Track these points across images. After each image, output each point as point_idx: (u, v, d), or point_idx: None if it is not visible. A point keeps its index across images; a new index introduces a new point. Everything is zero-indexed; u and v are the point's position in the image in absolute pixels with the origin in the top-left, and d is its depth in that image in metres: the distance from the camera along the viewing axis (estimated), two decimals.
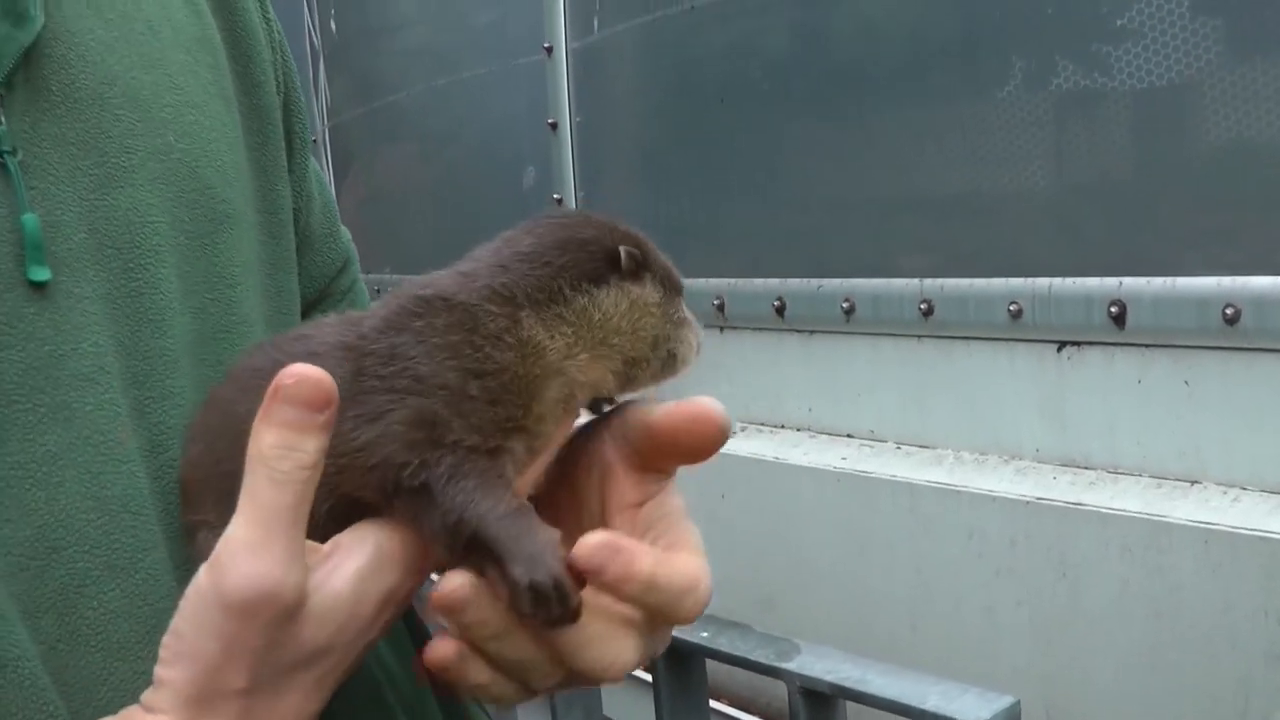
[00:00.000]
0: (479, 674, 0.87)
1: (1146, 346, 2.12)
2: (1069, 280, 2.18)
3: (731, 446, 2.78)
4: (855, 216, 2.63)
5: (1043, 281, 2.21)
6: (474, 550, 0.87)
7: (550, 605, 0.82)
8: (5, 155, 0.91)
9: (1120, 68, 2.11)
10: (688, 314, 1.02)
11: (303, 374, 0.80)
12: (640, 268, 0.98)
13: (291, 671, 0.82)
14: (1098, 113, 2.20)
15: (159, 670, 0.81)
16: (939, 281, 2.37)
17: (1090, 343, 2.18)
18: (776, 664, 1.45)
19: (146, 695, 0.81)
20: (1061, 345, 2.22)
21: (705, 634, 1.53)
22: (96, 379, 0.93)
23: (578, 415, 0.97)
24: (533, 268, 0.94)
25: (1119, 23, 2.09)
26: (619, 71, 3.19)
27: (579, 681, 0.90)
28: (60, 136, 0.95)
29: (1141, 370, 2.13)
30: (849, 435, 2.62)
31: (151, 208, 0.99)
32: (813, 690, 1.42)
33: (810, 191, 2.72)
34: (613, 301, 0.96)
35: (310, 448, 0.80)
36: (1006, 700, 1.30)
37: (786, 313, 2.67)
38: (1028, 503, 2.20)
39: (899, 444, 2.52)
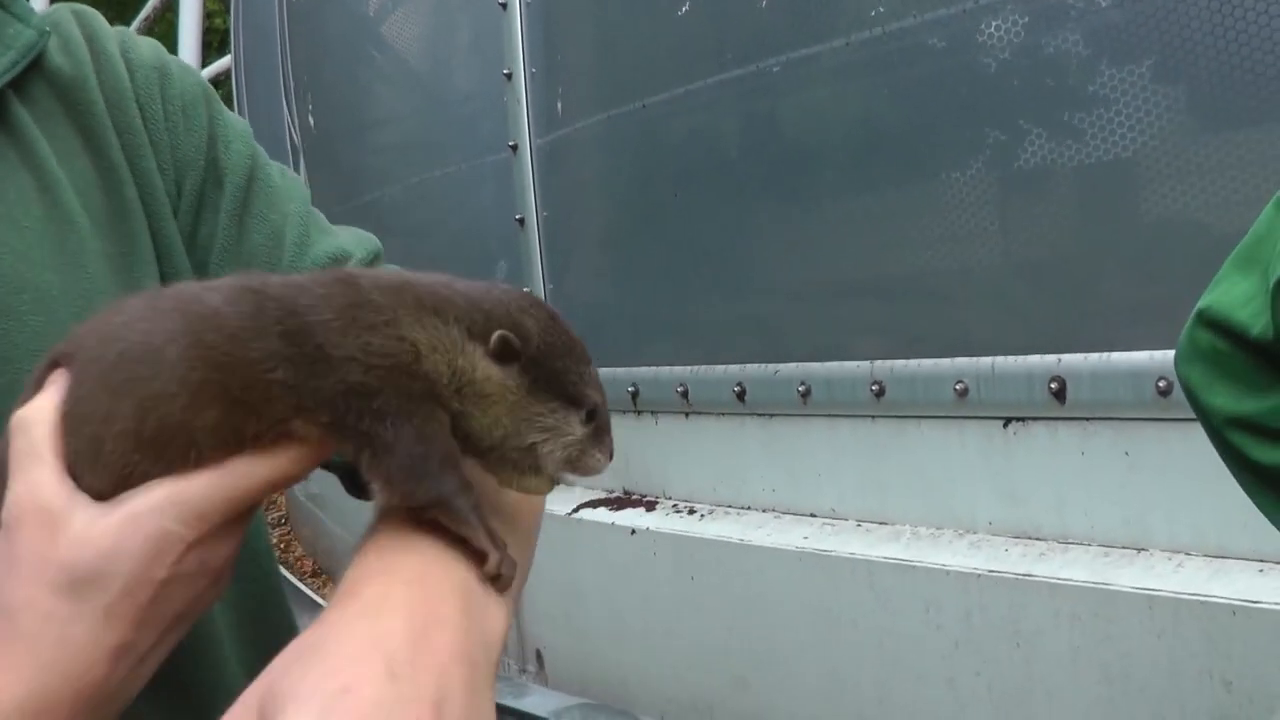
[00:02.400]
0: None
1: (1087, 420, 2.17)
2: (1011, 358, 2.24)
3: (699, 529, 2.83)
4: (808, 301, 2.70)
5: (986, 360, 2.27)
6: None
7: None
8: None
9: (1084, 138, 2.16)
10: (576, 430, 1.02)
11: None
12: (511, 357, 1.00)
13: (70, 594, 0.91)
14: (1042, 190, 2.27)
15: None
16: (889, 363, 2.43)
17: (1034, 418, 2.24)
18: None
19: None
20: (1007, 421, 2.28)
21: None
22: None
23: None
24: (449, 291, 1.00)
25: (1087, 91, 2.15)
26: (580, 167, 3.27)
27: None
28: None
29: (1083, 443, 2.18)
30: (811, 514, 2.67)
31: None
32: None
33: (765, 278, 2.79)
34: (470, 365, 0.99)
35: (47, 399, 0.94)
36: None
37: (746, 397, 2.73)
38: (980, 575, 2.25)
39: (859, 521, 2.57)
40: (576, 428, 1.02)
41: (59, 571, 0.91)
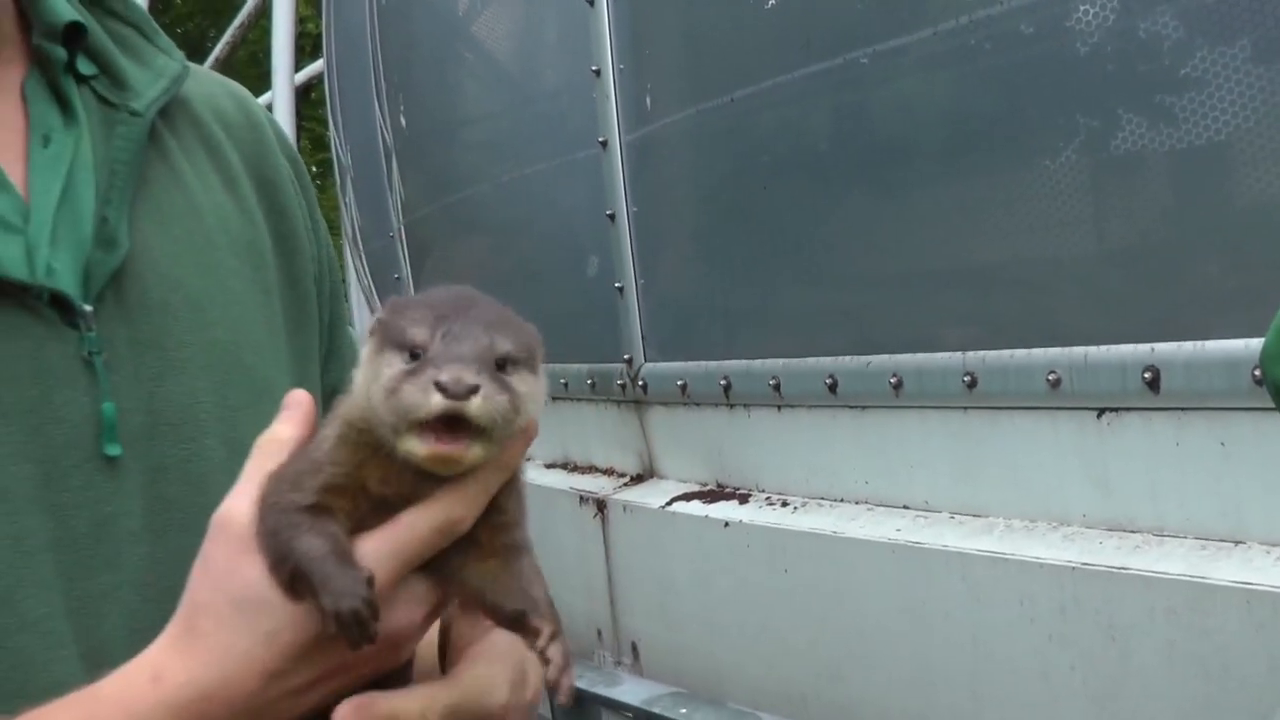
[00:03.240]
0: None
1: (1182, 410, 2.15)
2: (1103, 348, 2.21)
3: (792, 521, 2.83)
4: (900, 292, 2.69)
5: (1079, 350, 2.25)
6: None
7: (351, 629, 1.01)
8: (94, 356, 1.18)
9: (1178, 121, 2.13)
10: (394, 368, 1.02)
11: (296, 393, 1.15)
12: (374, 332, 1.07)
13: (241, 609, 1.05)
14: (1133, 175, 2.25)
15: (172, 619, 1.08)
16: (981, 354, 2.42)
17: (1128, 408, 2.22)
18: None
19: None
20: (1101, 412, 2.26)
21: (684, 710, 1.61)
22: (142, 536, 1.20)
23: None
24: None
25: (1180, 74, 2.12)
26: (670, 162, 3.28)
27: None
28: (132, 339, 1.23)
29: (1178, 433, 2.15)
30: (904, 507, 2.66)
31: (200, 390, 1.26)
32: None
33: (855, 269, 2.79)
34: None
35: (282, 432, 1.12)
36: None
37: (838, 389, 2.73)
38: (1074, 568, 2.23)
39: (952, 514, 2.55)
40: (395, 365, 1.03)
41: (240, 587, 1.05)
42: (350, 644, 1.01)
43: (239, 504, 1.07)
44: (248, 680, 1.04)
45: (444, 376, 0.99)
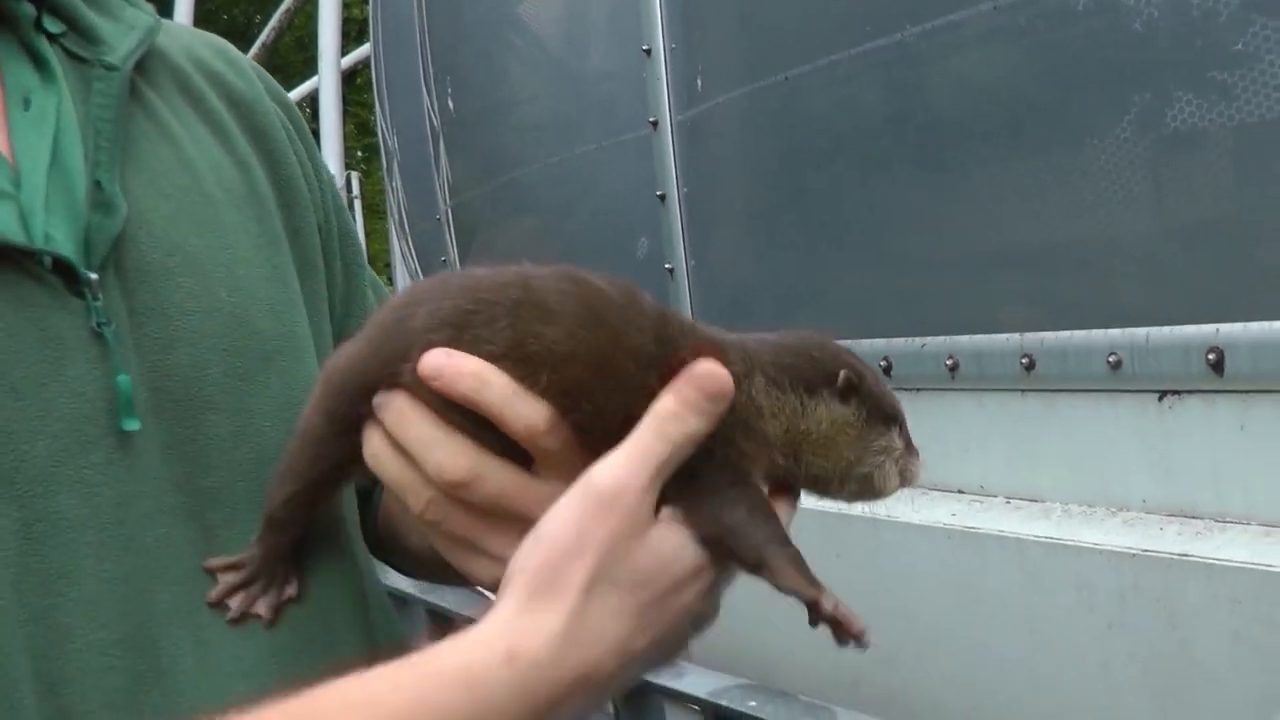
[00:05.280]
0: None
1: (1247, 392, 2.10)
2: (1165, 329, 2.17)
3: (845, 505, 2.79)
4: (955, 273, 2.65)
5: (1140, 331, 2.20)
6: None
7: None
8: (103, 326, 1.11)
9: (1235, 97, 2.09)
10: (898, 444, 1.11)
11: (714, 369, 1.03)
12: (852, 392, 1.08)
13: (618, 588, 0.97)
14: (1194, 152, 2.20)
15: (513, 563, 0.98)
16: (1039, 335, 2.38)
17: (1190, 391, 2.17)
18: None
19: (501, 586, 0.99)
20: (1162, 395, 2.21)
21: (753, 703, 1.58)
22: (156, 518, 1.13)
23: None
24: (773, 354, 1.09)
25: (1236, 48, 2.08)
26: (721, 142, 3.25)
27: (462, 521, 1.07)
28: (132, 308, 1.16)
29: (1243, 416, 2.11)
30: (959, 491, 2.63)
31: (208, 361, 1.19)
32: None
33: (910, 250, 2.75)
34: (815, 412, 1.07)
35: (695, 425, 1.01)
36: None
37: (893, 371, 2.69)
38: (1134, 555, 2.19)
39: (1008, 498, 2.52)
40: (898, 442, 1.11)
41: (625, 570, 0.98)
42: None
43: (634, 480, 0.99)
44: (604, 659, 0.98)
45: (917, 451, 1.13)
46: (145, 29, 1.29)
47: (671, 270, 3.32)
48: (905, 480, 1.14)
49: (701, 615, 1.07)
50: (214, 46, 1.44)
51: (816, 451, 1.09)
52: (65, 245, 1.12)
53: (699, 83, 3.22)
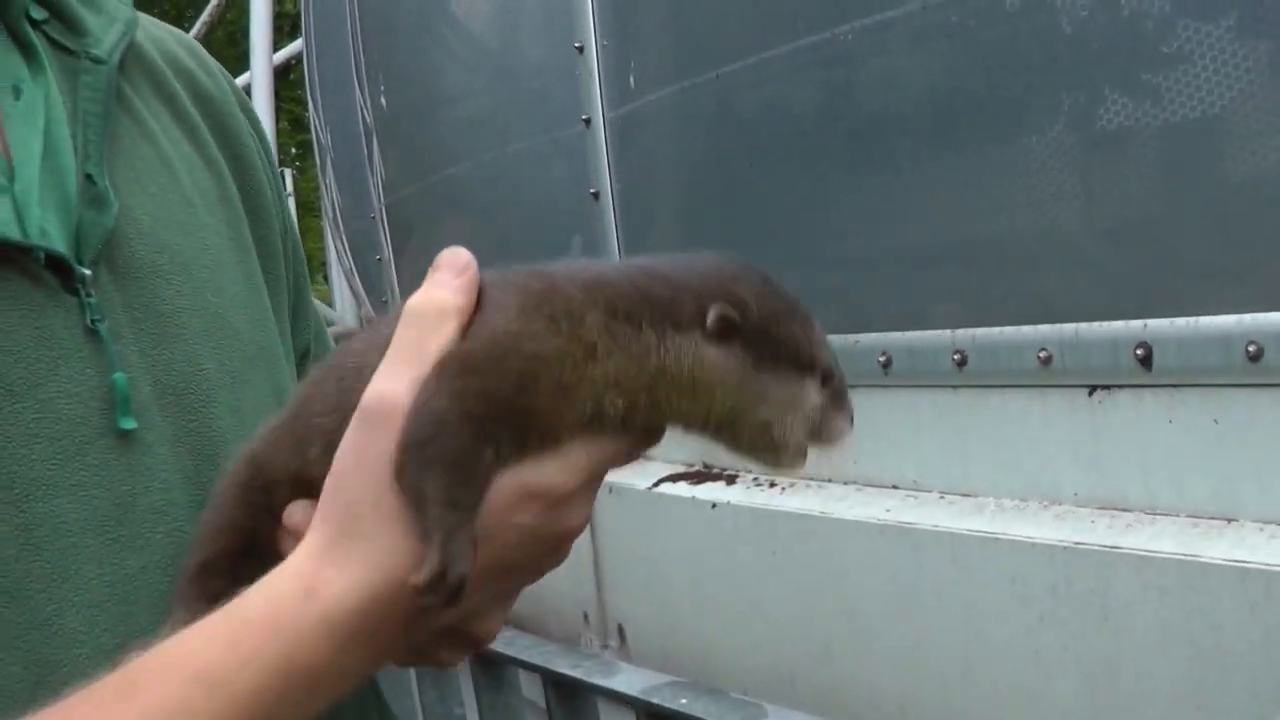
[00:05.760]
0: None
1: (1175, 387, 2.13)
2: (1095, 325, 2.19)
3: (780, 502, 2.82)
4: (888, 269, 2.67)
5: (1069, 327, 2.23)
6: None
7: (439, 597, 0.94)
8: (97, 324, 1.10)
9: (1162, 97, 2.12)
10: (810, 396, 0.99)
11: (453, 249, 1.02)
12: (731, 332, 0.97)
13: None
14: (1123, 152, 2.23)
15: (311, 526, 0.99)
16: (971, 331, 2.40)
17: (1120, 385, 2.20)
18: None
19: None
20: (1092, 389, 2.24)
21: (684, 700, 1.59)
22: (167, 511, 1.11)
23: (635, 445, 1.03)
24: (642, 284, 0.99)
25: (1165, 50, 2.10)
26: (655, 140, 3.26)
27: None
28: (126, 303, 1.14)
29: (1171, 410, 2.14)
30: (894, 486, 2.65)
31: (201, 357, 1.18)
32: None
33: (843, 248, 2.76)
34: (674, 353, 0.97)
35: (443, 295, 0.99)
36: None
37: None
38: (1066, 547, 2.21)
39: (942, 493, 2.54)
40: (814, 394, 1.00)
41: None
42: (421, 606, 0.94)
43: (396, 387, 0.96)
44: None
45: (852, 409, 1.01)
46: (126, 22, 1.27)
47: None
48: (818, 438, 1.01)
49: (549, 532, 1.00)
50: (185, 44, 1.42)
51: (682, 396, 0.98)
52: (58, 241, 1.11)
53: (631, 80, 3.23)
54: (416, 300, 1.00)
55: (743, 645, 2.86)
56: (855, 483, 2.73)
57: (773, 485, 2.88)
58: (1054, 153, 2.28)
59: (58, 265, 1.10)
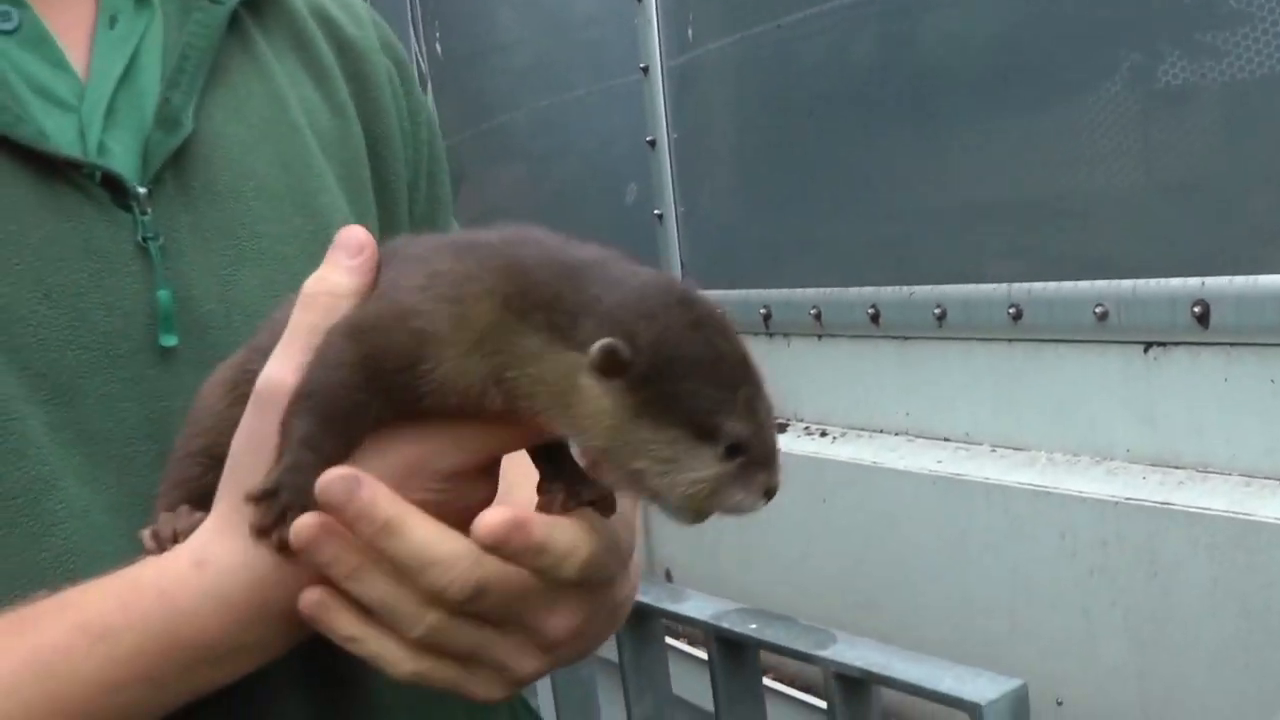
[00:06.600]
0: (347, 625, 0.96)
1: (1231, 345, 2.13)
2: (1152, 281, 2.19)
3: (831, 451, 2.83)
4: (945, 222, 2.67)
5: (1127, 283, 2.23)
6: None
7: (262, 515, 0.94)
8: (149, 241, 1.12)
9: (1224, 54, 2.10)
10: (705, 469, 0.88)
11: (349, 229, 1.00)
12: (616, 370, 0.87)
13: None
14: (1182, 108, 2.22)
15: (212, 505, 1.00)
16: (1026, 285, 2.40)
17: (1176, 343, 2.20)
18: (814, 652, 1.56)
19: None
20: (1148, 346, 2.24)
21: (754, 626, 1.62)
22: None
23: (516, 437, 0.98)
24: (567, 287, 0.91)
25: (1226, 7, 2.08)
26: (713, 89, 3.26)
27: (460, 632, 0.97)
28: (197, 225, 1.17)
29: (1226, 369, 2.14)
30: (945, 439, 2.66)
31: (278, 283, 1.17)
32: (845, 675, 1.54)
33: (900, 199, 2.76)
34: (550, 372, 0.90)
35: (336, 279, 0.98)
36: (1014, 683, 1.39)
37: (881, 320, 2.72)
38: (1117, 503, 2.22)
39: (993, 446, 2.55)
40: (707, 464, 0.89)
41: None
42: (252, 524, 0.94)
43: (284, 371, 0.96)
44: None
45: (773, 485, 0.91)
46: None
47: (660, 216, 3.34)
48: (702, 507, 0.90)
49: (452, 510, 0.97)
50: None
51: (557, 414, 0.91)
52: (124, 159, 1.14)
53: (690, 30, 3.23)
54: (310, 283, 1.00)
55: (790, 593, 2.88)
56: (907, 433, 2.74)
57: (823, 434, 2.89)
58: (1114, 109, 2.27)
59: (116, 183, 1.13)
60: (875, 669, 1.53)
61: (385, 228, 1.36)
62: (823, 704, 1.90)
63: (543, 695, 2.34)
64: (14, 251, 1.08)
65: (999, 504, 2.42)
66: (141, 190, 1.13)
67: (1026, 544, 2.38)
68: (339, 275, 0.99)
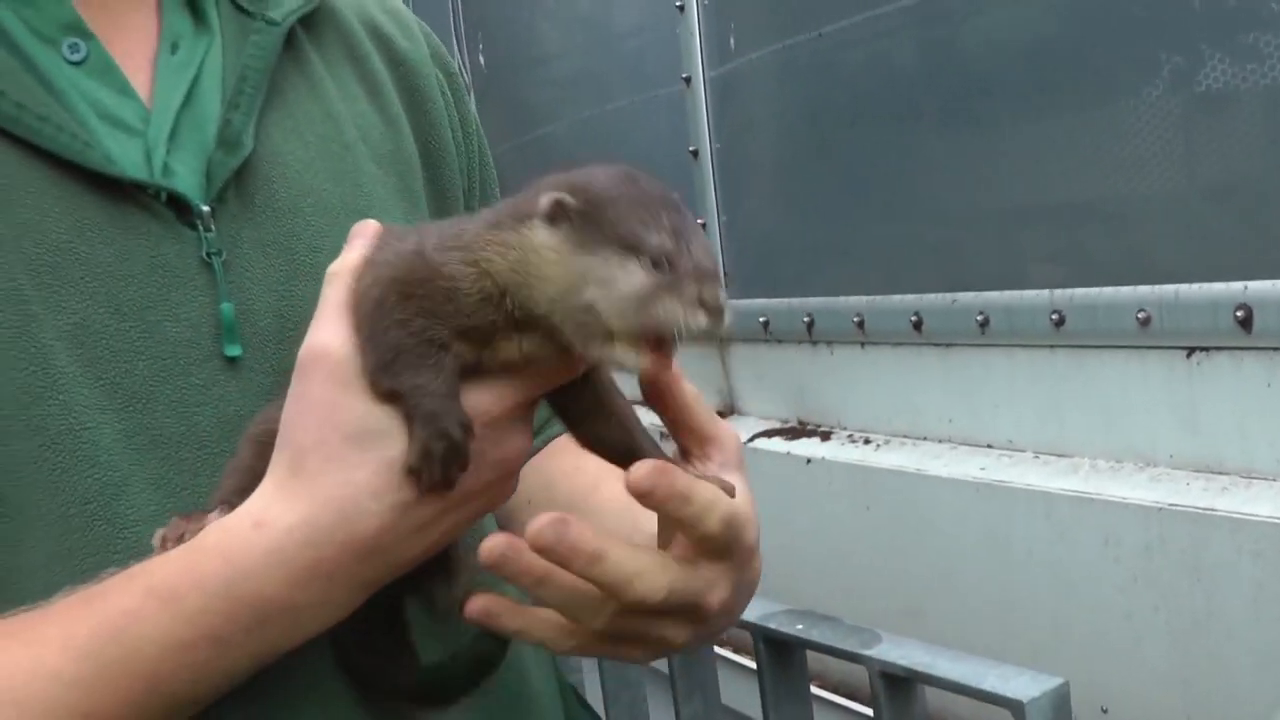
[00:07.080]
0: (515, 619, 1.08)
1: (1274, 350, 2.12)
2: (1195, 286, 2.19)
3: (875, 459, 2.84)
4: (987, 229, 2.67)
5: (1169, 288, 2.22)
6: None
7: (436, 467, 1.00)
8: (212, 256, 1.19)
9: (1266, 57, 2.10)
10: (633, 277, 0.96)
11: (363, 222, 1.13)
12: (560, 216, 1.00)
13: (357, 441, 1.02)
14: (1224, 112, 2.21)
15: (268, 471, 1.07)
16: (1069, 291, 2.40)
17: (1219, 348, 2.19)
18: (860, 651, 1.58)
19: None
20: (1190, 351, 2.24)
21: (800, 627, 1.64)
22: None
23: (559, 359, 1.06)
24: (520, 196, 1.06)
25: (1268, 10, 2.08)
26: (754, 98, 3.27)
27: (634, 620, 1.07)
28: (258, 240, 1.24)
29: (1270, 374, 2.13)
30: (988, 445, 2.66)
31: None
32: (890, 674, 1.55)
33: (942, 206, 2.77)
34: (522, 244, 1.01)
35: (353, 256, 1.09)
36: (1056, 681, 1.40)
37: (924, 327, 2.72)
38: (1160, 509, 2.22)
39: (1036, 453, 2.55)
40: (637, 276, 0.96)
41: (352, 419, 1.03)
42: (429, 483, 1.01)
43: (329, 336, 1.05)
44: (370, 517, 1.02)
45: (709, 296, 0.96)
46: None
47: (704, 225, 3.35)
48: (645, 322, 0.96)
49: (488, 459, 1.07)
50: (388, 8, 1.53)
51: (529, 286, 1.00)
52: (188, 179, 1.21)
53: (732, 39, 3.24)
54: (334, 266, 1.10)
55: (834, 600, 2.88)
56: (950, 441, 2.74)
57: (867, 442, 2.90)
58: (1155, 113, 2.27)
59: (181, 202, 1.19)
60: (920, 668, 1.55)
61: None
62: (868, 710, 1.91)
63: (592, 697, 2.36)
64: (86, 269, 1.14)
65: (1042, 510, 2.42)
66: (205, 208, 1.20)
67: (1070, 550, 2.38)
68: (357, 254, 1.09)
